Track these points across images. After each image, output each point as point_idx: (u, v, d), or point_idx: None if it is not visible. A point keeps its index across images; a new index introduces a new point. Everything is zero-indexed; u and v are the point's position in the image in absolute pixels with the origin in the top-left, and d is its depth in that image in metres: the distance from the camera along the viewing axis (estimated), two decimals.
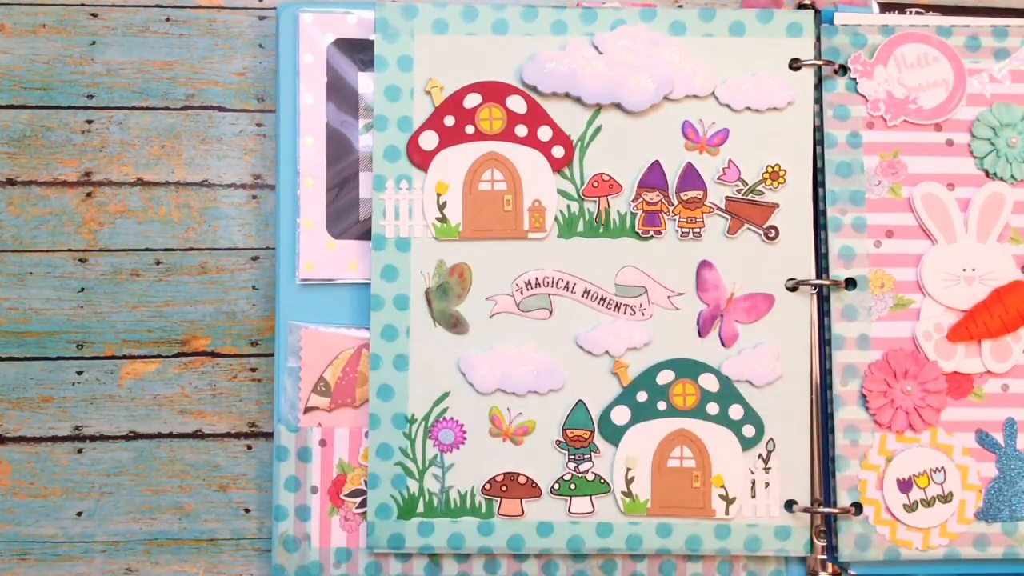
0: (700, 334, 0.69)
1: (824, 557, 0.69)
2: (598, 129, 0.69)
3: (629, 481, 0.68)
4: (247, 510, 0.72)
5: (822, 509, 0.68)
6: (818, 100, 0.70)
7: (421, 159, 0.69)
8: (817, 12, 0.70)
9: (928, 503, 0.68)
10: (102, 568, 0.71)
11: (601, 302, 0.69)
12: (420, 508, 0.68)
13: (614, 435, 0.68)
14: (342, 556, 0.69)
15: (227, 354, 0.72)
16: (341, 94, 0.70)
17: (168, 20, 0.74)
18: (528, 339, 0.69)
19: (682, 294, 0.69)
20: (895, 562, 0.68)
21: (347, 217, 0.70)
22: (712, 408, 0.68)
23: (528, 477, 0.68)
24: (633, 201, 0.69)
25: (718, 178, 0.69)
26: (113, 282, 0.72)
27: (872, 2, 0.72)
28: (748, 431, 0.68)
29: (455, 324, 0.69)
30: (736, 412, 0.68)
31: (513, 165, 0.69)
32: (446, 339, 0.69)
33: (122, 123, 0.73)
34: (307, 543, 0.69)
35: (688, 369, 0.69)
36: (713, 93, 0.69)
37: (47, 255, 0.72)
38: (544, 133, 0.69)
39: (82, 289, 0.72)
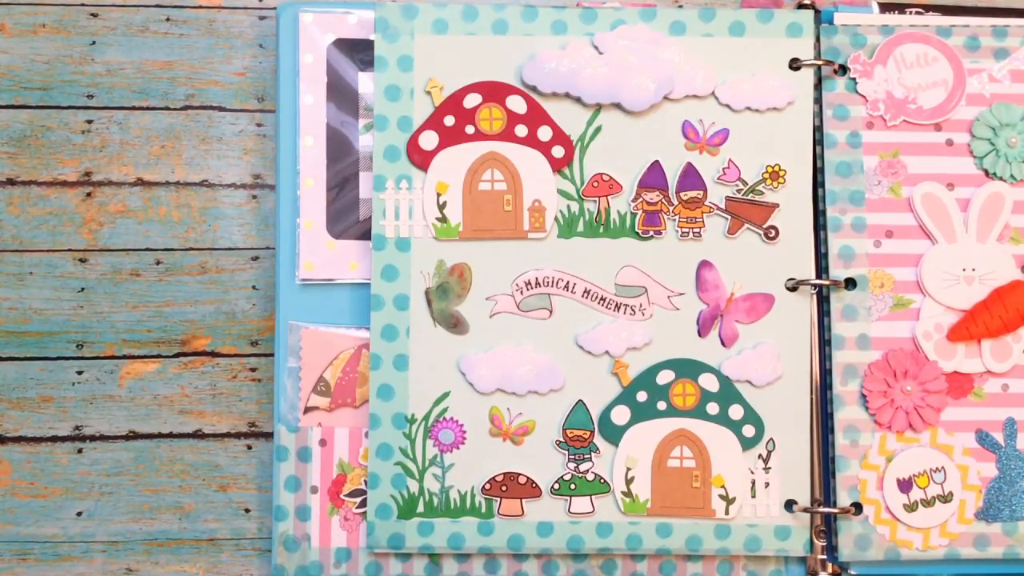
0: (700, 334, 0.69)
1: (824, 557, 0.69)
2: (598, 129, 0.69)
3: (629, 481, 0.68)
4: (247, 510, 0.72)
5: (822, 509, 0.68)
6: (818, 100, 0.70)
7: (421, 159, 0.69)
8: (817, 12, 0.70)
9: (928, 503, 0.68)
10: (102, 568, 0.71)
11: (601, 302, 0.69)
12: (420, 508, 0.68)
13: (614, 435, 0.68)
14: (342, 556, 0.69)
15: (227, 354, 0.72)
16: (341, 94, 0.70)
17: (168, 20, 0.74)
18: (528, 339, 0.69)
19: (682, 294, 0.69)
20: (895, 562, 0.68)
21: (347, 217, 0.70)
22: (712, 408, 0.68)
23: (528, 477, 0.68)
24: (633, 201, 0.69)
25: (718, 178, 0.69)
26: (113, 282, 0.72)
27: (872, 2, 0.72)
28: (748, 431, 0.68)
29: (455, 324, 0.69)
30: (736, 412, 0.68)
31: (513, 165, 0.69)
32: (446, 339, 0.69)
33: (122, 123, 0.73)
34: (307, 543, 0.69)
35: (688, 369, 0.69)
36: (713, 93, 0.69)
37: (47, 255, 0.72)
38: (544, 133, 0.69)
39: (82, 289, 0.72)
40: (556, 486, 0.68)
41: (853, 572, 0.69)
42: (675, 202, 0.69)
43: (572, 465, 0.68)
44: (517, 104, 0.69)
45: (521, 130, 0.69)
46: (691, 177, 0.69)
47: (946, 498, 0.68)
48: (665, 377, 0.68)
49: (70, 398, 0.72)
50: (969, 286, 0.69)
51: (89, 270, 0.72)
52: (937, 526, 0.68)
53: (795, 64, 0.69)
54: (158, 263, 0.73)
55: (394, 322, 0.68)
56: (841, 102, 0.70)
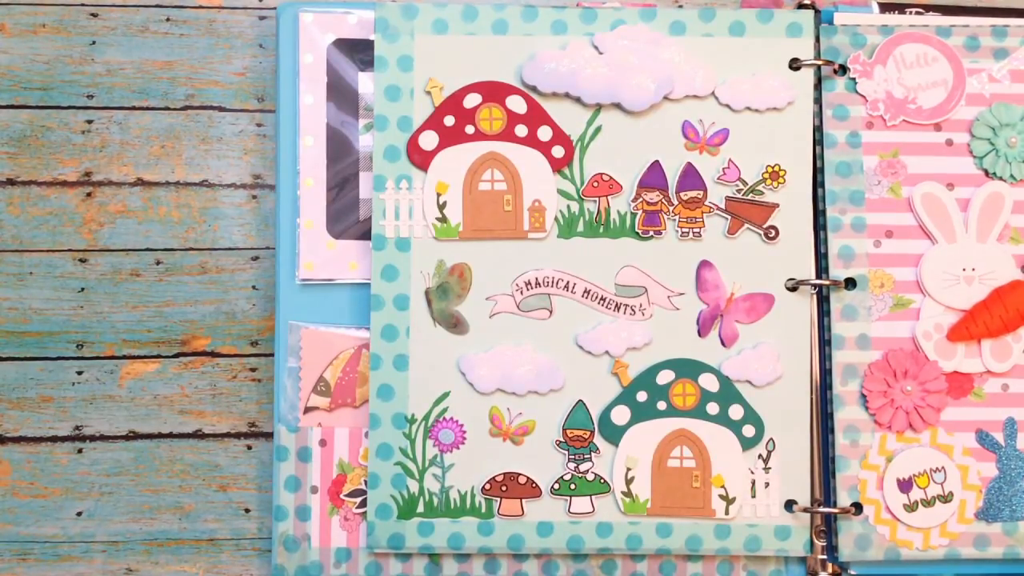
0: (700, 334, 0.69)
1: (824, 557, 0.69)
2: (598, 129, 0.69)
3: (629, 481, 0.68)
4: (247, 510, 0.72)
5: (822, 509, 0.68)
6: (818, 100, 0.70)
7: (421, 159, 0.69)
8: (817, 12, 0.71)
9: (928, 503, 0.68)
10: (102, 568, 0.71)
11: (601, 302, 0.69)
12: (420, 508, 0.68)
13: (614, 435, 0.68)
14: (342, 556, 0.69)
15: (227, 354, 0.72)
16: (341, 94, 0.70)
17: (168, 20, 0.74)
18: (528, 339, 0.69)
19: (682, 294, 0.69)
20: (895, 562, 0.68)
21: (347, 217, 0.70)
22: (712, 408, 0.68)
23: (528, 477, 0.68)
24: (633, 201, 0.69)
25: (718, 178, 0.69)
26: (113, 282, 0.72)
27: (872, 2, 0.72)
28: (748, 431, 0.68)
29: (455, 324, 0.69)
30: (736, 412, 0.68)
31: (513, 165, 0.69)
32: (446, 339, 0.69)
33: (122, 123, 0.73)
34: (307, 543, 0.69)
35: (688, 369, 0.69)
36: (713, 93, 0.69)
37: (47, 255, 0.72)
38: (544, 133, 0.69)
39: (82, 289, 0.72)
40: (556, 486, 0.68)
41: (853, 572, 0.69)
42: (675, 202, 0.69)
43: (572, 465, 0.68)
44: (517, 104, 0.69)
45: (521, 130, 0.69)
46: (691, 177, 0.69)
47: (946, 498, 0.68)
48: (665, 377, 0.68)
49: (70, 398, 0.72)
50: (969, 286, 0.69)
51: (89, 270, 0.72)
52: (937, 526, 0.68)
53: (795, 64, 0.69)
54: (158, 263, 0.73)
55: (394, 322, 0.68)
56: (841, 102, 0.70)
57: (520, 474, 0.68)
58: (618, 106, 0.69)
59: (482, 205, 0.69)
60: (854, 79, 0.70)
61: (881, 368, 0.68)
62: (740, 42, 0.69)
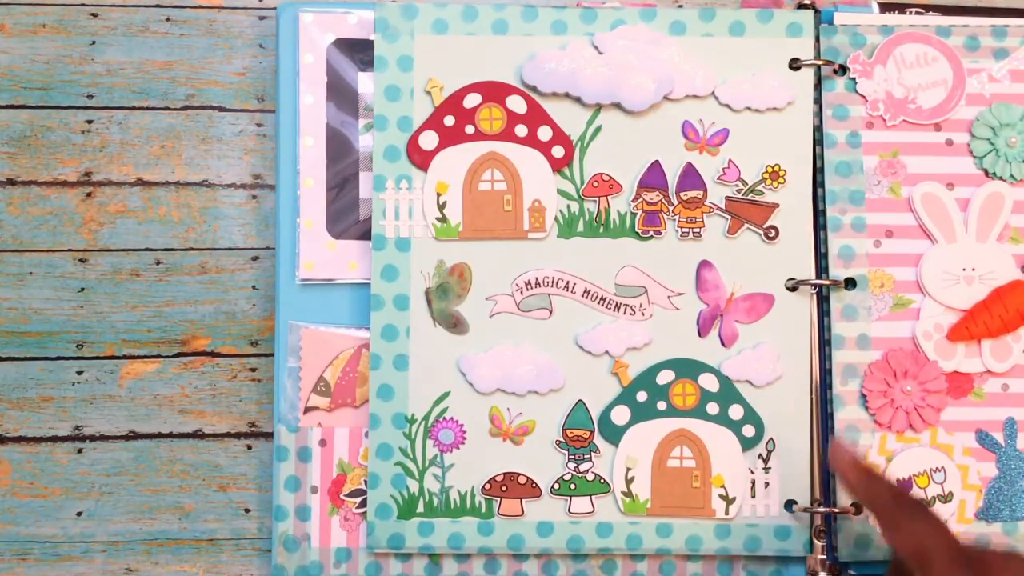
0: (700, 334, 0.69)
1: (824, 557, 0.69)
2: (598, 129, 0.69)
3: (629, 481, 0.68)
4: (247, 510, 0.72)
5: (822, 509, 0.68)
6: (818, 100, 0.70)
7: (421, 159, 0.69)
8: (817, 12, 0.71)
9: (928, 503, 0.68)
10: (102, 568, 0.71)
11: (601, 302, 0.69)
12: (420, 508, 0.68)
13: (614, 435, 0.68)
14: (342, 556, 0.69)
15: (227, 354, 0.72)
16: (341, 94, 0.70)
17: (168, 20, 0.74)
18: (528, 339, 0.69)
19: (682, 294, 0.69)
20: None
21: (347, 217, 0.70)
22: (712, 408, 0.68)
23: (528, 477, 0.68)
24: (633, 201, 0.69)
25: (718, 178, 0.69)
26: (113, 282, 0.72)
27: (872, 2, 0.72)
28: (748, 431, 0.68)
29: (455, 324, 0.69)
30: (736, 412, 0.68)
31: (513, 165, 0.69)
32: (446, 339, 0.69)
33: (122, 123, 0.73)
34: (307, 543, 0.69)
35: (688, 369, 0.69)
36: (713, 93, 0.69)
37: (47, 255, 0.72)
38: (544, 133, 0.69)
39: (82, 289, 0.72)
40: (556, 486, 0.68)
41: (853, 572, 0.69)
42: (675, 202, 0.69)
43: (572, 465, 0.68)
44: (517, 104, 0.69)
45: (521, 130, 0.69)
46: (691, 177, 0.69)
47: (946, 498, 0.68)
48: (665, 377, 0.68)
49: (70, 398, 0.72)
50: (969, 286, 0.69)
51: (89, 270, 0.72)
52: None
53: (795, 64, 0.69)
54: (158, 263, 0.73)
55: (394, 322, 0.68)
56: (841, 102, 0.70)
57: (520, 474, 0.68)
58: (618, 106, 0.69)
59: (482, 205, 0.69)
60: (854, 79, 0.70)
61: (881, 368, 0.68)
62: (740, 42, 0.69)
